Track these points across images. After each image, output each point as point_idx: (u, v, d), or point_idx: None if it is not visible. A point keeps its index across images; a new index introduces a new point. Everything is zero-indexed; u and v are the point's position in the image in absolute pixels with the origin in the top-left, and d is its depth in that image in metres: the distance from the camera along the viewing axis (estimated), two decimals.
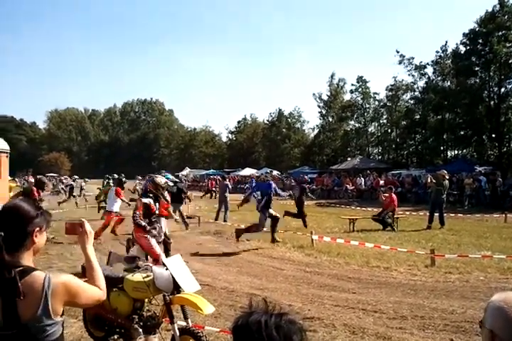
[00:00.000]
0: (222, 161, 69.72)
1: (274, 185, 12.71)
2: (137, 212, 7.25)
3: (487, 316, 1.58)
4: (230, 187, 18.93)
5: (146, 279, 4.40)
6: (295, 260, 9.85)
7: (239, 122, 70.08)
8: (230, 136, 72.02)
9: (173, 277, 4.36)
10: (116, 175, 20.79)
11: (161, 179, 7.83)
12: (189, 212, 18.31)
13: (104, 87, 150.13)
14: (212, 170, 51.03)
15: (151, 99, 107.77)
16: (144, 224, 7.18)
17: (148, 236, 7.26)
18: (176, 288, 4.40)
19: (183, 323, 4.57)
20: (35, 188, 12.23)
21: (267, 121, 63.09)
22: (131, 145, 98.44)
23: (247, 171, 45.26)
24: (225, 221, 16.23)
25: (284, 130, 59.68)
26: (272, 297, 6.73)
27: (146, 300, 4.70)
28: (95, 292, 2.09)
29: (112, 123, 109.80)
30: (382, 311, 6.08)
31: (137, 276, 4.53)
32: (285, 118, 60.88)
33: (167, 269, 4.41)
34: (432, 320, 5.70)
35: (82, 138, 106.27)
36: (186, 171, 50.95)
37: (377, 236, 13.08)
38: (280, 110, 61.15)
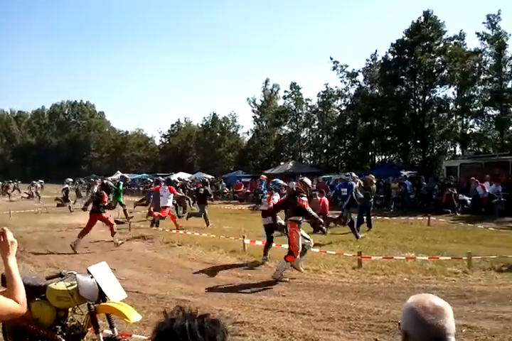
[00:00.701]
0: (156, 165, 68.58)
1: (355, 186, 14.58)
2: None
3: (402, 318, 1.66)
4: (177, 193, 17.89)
5: (70, 288, 4.25)
6: (227, 265, 9.85)
7: (172, 126, 69.28)
8: (163, 139, 71.02)
9: (98, 285, 4.25)
10: (39, 180, 20.57)
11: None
12: (120, 217, 17.96)
13: (33, 87, 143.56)
14: (144, 174, 50.11)
15: (81, 100, 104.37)
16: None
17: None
18: (102, 296, 4.29)
19: (110, 332, 4.45)
20: (104, 193, 12.53)
21: (201, 125, 62.85)
22: (60, 148, 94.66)
23: (181, 175, 44.84)
24: (156, 226, 15.96)
25: (218, 134, 59.65)
26: (202, 302, 6.71)
27: (70, 309, 4.54)
28: (11, 305, 1.99)
29: (39, 126, 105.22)
30: (310, 313, 6.21)
31: (60, 285, 4.37)
32: (219, 123, 60.87)
33: (92, 277, 4.29)
34: (358, 320, 5.88)
35: (7, 141, 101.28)
36: (118, 175, 49.68)
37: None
38: (214, 114, 61.11)
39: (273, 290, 7.62)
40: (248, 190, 32.32)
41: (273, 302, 6.82)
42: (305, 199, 8.58)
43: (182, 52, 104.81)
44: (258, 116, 51.22)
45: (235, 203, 30.27)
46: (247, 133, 56.68)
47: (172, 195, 16.01)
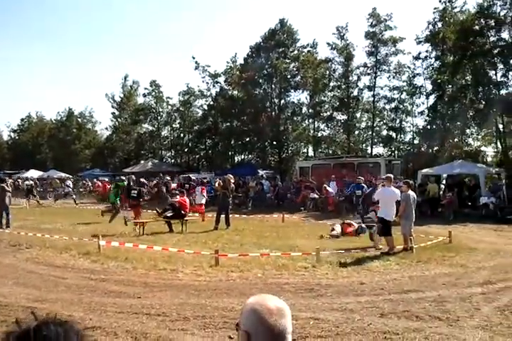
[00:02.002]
0: (3, 162, 62.82)
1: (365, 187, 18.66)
2: None
3: (242, 318, 1.68)
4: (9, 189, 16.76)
5: None
6: (79, 267, 9.38)
7: (22, 120, 64.02)
8: (12, 134, 65.31)
9: None
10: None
11: None
12: None
13: None
14: None
15: None
16: None
17: None
18: None
19: None
20: None
21: (55, 120, 59.02)
22: None
23: (32, 173, 41.86)
24: (7, 227, 14.78)
25: (74, 130, 56.46)
26: (51, 308, 6.32)
27: None
28: None
29: None
30: (165, 314, 6.16)
31: None
32: (76, 118, 57.64)
33: None
34: (213, 318, 5.98)
35: None
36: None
37: (166, 239, 13.28)
38: (70, 109, 57.74)
39: (128, 292, 7.43)
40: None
41: (127, 305, 6.66)
42: None
43: (41, 49, 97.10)
44: (117, 113, 49.52)
45: (93, 203, 29.01)
46: (106, 129, 54.45)
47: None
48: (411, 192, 11.92)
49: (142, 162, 41.58)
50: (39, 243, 11.93)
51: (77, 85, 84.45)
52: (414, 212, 11.88)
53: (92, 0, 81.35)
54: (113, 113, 49.69)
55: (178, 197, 15.91)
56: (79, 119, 57.59)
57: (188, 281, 8.15)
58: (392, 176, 12.71)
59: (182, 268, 9.08)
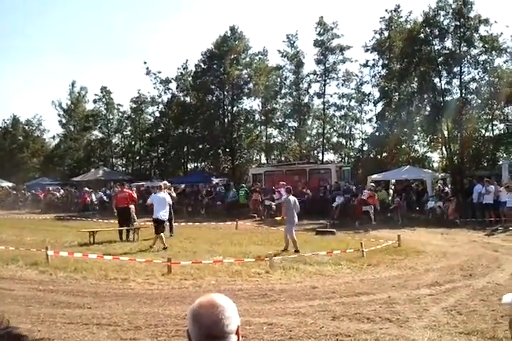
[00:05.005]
0: None
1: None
2: None
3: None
4: None
5: None
6: (27, 279, 9.10)
7: None
8: None
9: None
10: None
11: None
12: None
13: None
14: None
15: None
16: None
17: None
18: None
19: None
20: None
21: (0, 127, 56.88)
22: None
23: None
24: None
25: (20, 138, 54.57)
26: None
27: None
28: None
29: None
30: (117, 324, 6.07)
31: None
32: (22, 126, 55.75)
33: None
34: (165, 327, 5.93)
35: None
36: None
37: (118, 248, 13.05)
38: (15, 116, 55.80)
39: (78, 302, 7.26)
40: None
41: (77, 315, 6.50)
42: None
43: None
44: (65, 120, 48.20)
45: (39, 212, 28.15)
46: (53, 137, 52.86)
47: None
48: (291, 197, 12.71)
49: (92, 170, 40.65)
50: None
51: (21, 92, 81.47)
52: (296, 215, 12.65)
53: (38, 1, 79.05)
54: (60, 120, 48.37)
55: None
56: (26, 127, 55.75)
57: (140, 290, 8.05)
58: (163, 184, 15.27)
59: (134, 277, 8.96)
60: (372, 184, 21.39)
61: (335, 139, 36.30)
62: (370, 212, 19.36)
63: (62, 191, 32.64)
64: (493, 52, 26.83)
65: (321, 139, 35.36)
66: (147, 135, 42.23)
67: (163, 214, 13.65)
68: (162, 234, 13.24)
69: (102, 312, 6.65)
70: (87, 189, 29.58)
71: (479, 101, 27.88)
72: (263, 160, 38.62)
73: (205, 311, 1.60)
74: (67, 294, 7.84)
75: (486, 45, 26.45)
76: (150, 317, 6.33)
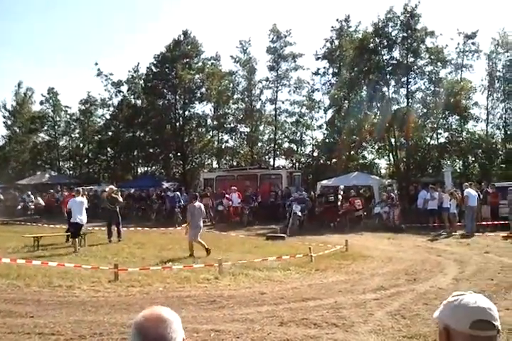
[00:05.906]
0: None
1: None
2: None
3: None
4: None
5: None
6: None
7: None
8: None
9: None
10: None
11: None
12: None
13: None
14: None
15: None
16: None
17: None
18: None
19: None
20: None
21: None
22: None
23: None
24: None
25: None
26: None
27: None
28: None
29: None
30: (60, 333, 5.90)
31: None
32: None
33: None
34: (110, 335, 5.81)
35: None
36: None
37: (63, 254, 12.70)
38: None
39: (20, 311, 7.01)
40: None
41: (19, 325, 6.27)
42: None
43: None
44: (10, 122, 46.49)
45: None
46: None
47: None
48: (197, 204, 13.01)
49: (39, 173, 39.43)
50: None
51: None
52: (201, 221, 13.12)
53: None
54: (5, 122, 46.61)
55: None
56: None
57: (85, 298, 7.85)
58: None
59: (79, 284, 8.74)
60: (342, 188, 21.76)
61: (286, 145, 36.70)
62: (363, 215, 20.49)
63: (1, 195, 31.50)
64: (439, 63, 27.95)
65: (273, 145, 35.64)
66: (96, 138, 41.32)
67: (81, 218, 13.85)
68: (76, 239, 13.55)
69: (45, 321, 6.45)
70: (29, 193, 28.90)
71: (425, 110, 28.96)
72: (214, 164, 38.56)
73: (151, 324, 1.57)
74: (9, 302, 7.55)
75: (432, 57, 27.53)
76: (95, 326, 6.18)
